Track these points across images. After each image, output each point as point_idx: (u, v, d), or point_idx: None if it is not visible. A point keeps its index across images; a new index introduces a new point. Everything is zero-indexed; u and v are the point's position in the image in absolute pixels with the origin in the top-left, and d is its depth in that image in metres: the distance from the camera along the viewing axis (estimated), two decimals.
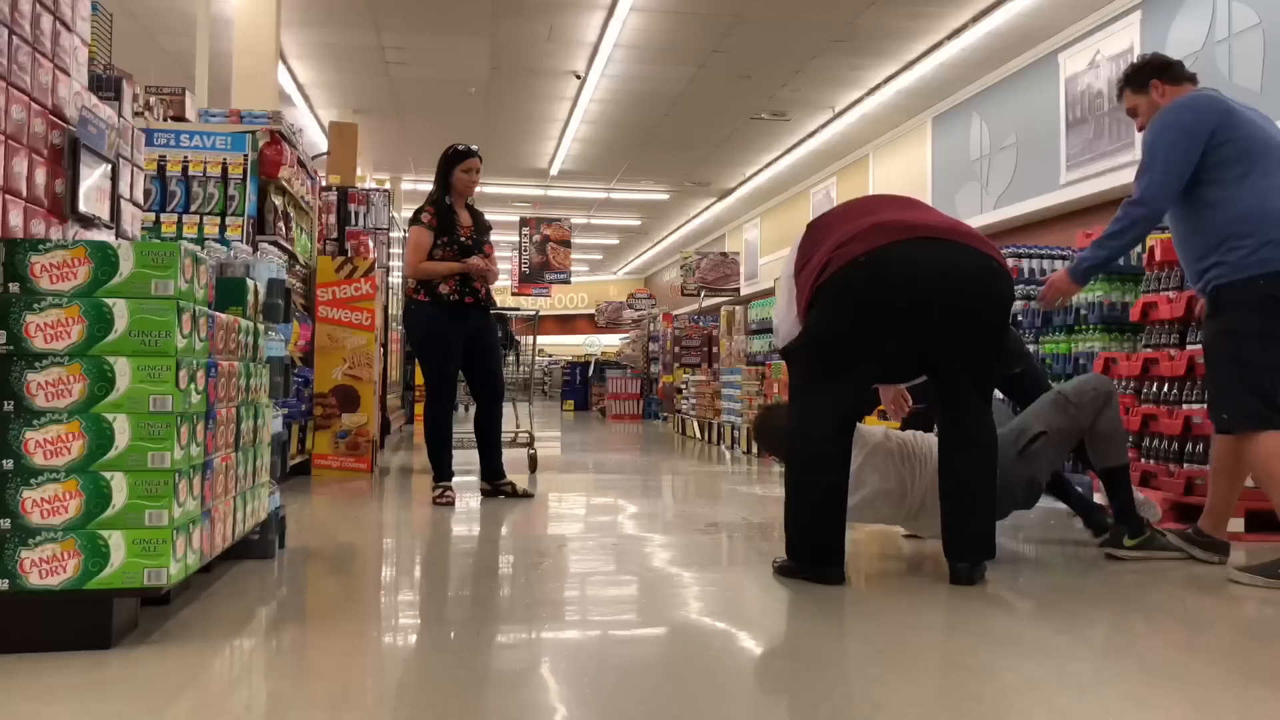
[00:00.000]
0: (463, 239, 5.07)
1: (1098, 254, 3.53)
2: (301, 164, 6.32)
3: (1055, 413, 3.66)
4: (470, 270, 5.01)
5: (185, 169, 5.26)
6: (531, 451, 6.79)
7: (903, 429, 3.84)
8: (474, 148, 5.21)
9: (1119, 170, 7.99)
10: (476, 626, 2.67)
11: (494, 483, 5.30)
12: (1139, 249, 5.49)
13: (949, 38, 9.38)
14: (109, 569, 2.30)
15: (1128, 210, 3.45)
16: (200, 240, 5.05)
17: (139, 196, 3.54)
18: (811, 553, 3.13)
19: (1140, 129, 3.70)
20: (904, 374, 3.48)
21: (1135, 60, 3.78)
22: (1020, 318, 6.08)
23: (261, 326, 3.30)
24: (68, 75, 2.95)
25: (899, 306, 3.03)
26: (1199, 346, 4.42)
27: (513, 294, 17.21)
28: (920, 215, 3.18)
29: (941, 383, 3.20)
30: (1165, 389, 4.59)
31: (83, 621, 2.31)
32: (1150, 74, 3.63)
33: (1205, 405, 3.86)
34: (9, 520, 2.28)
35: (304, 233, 6.53)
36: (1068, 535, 4.27)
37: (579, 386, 19.57)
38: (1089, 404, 3.66)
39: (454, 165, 5.12)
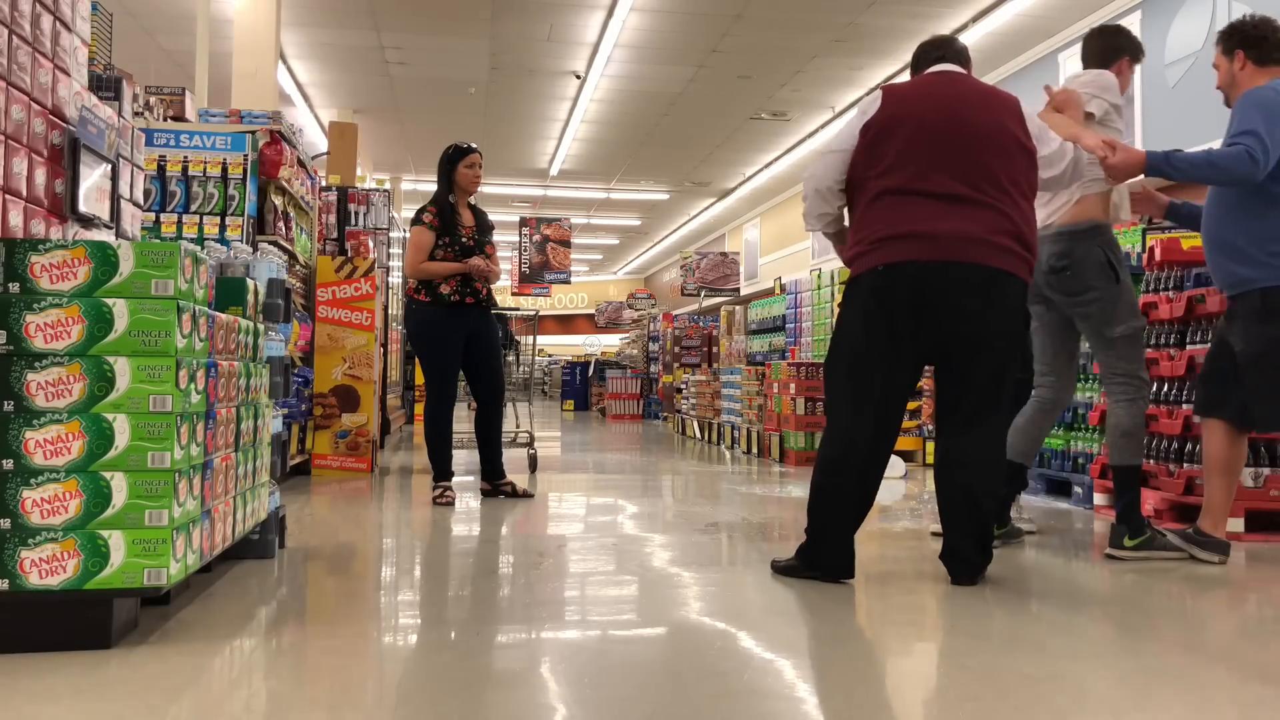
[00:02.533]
0: (464, 239, 5.07)
1: (1185, 168, 3.37)
2: (301, 164, 6.32)
3: (1131, 312, 3.73)
4: (471, 270, 5.01)
5: (185, 169, 5.26)
6: (531, 451, 6.80)
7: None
8: (474, 145, 5.23)
9: None
10: (476, 626, 2.67)
11: (494, 483, 5.31)
12: (1139, 249, 5.48)
13: None
14: (109, 569, 2.30)
15: (1241, 160, 3.30)
16: (200, 240, 5.05)
17: (139, 196, 3.54)
18: (823, 552, 3.17)
19: (1218, 87, 3.66)
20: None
21: (1234, 20, 3.70)
22: None
23: (261, 326, 3.30)
24: (68, 75, 2.95)
25: (907, 323, 3.11)
26: (1199, 347, 4.43)
27: (513, 294, 17.22)
28: (948, 224, 3.08)
29: (947, 392, 3.24)
30: (1165, 389, 4.59)
31: (83, 621, 2.31)
32: (1237, 43, 3.56)
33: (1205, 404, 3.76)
34: (9, 520, 2.28)
35: (304, 233, 6.53)
36: (1068, 535, 4.27)
37: (579, 386, 19.58)
38: (1131, 354, 3.71)
39: (457, 162, 5.13)
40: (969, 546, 3.16)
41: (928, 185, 3.10)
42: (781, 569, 3.27)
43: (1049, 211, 3.81)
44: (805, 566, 3.20)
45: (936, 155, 3.12)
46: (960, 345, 3.14)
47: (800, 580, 3.16)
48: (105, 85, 3.41)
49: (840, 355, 3.25)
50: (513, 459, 6.32)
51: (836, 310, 7.56)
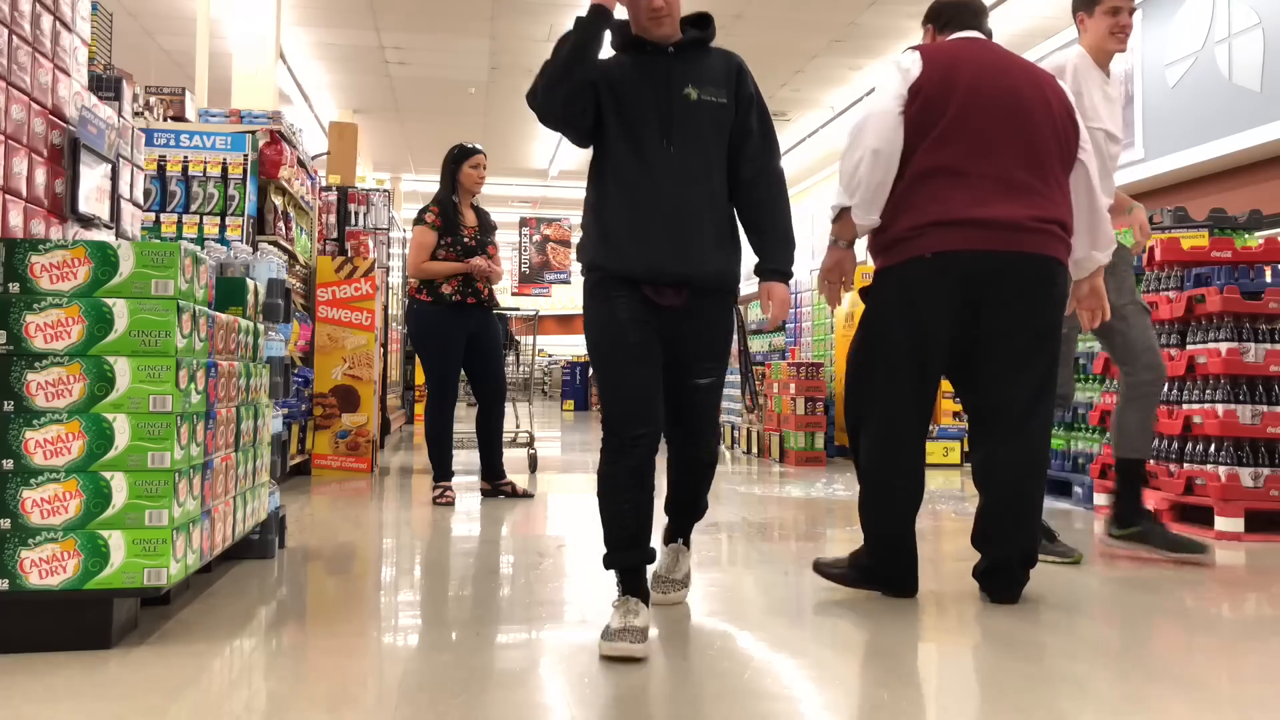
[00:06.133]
0: (466, 239, 5.08)
1: None
2: (301, 164, 6.32)
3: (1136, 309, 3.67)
4: (473, 270, 5.02)
5: (185, 169, 5.26)
6: (531, 451, 6.80)
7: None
8: (479, 146, 5.25)
9: (1120, 169, 7.99)
10: (476, 626, 2.67)
11: (494, 483, 5.31)
12: (1142, 250, 5.48)
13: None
14: (109, 569, 2.30)
15: None
16: (200, 240, 5.05)
17: (139, 196, 3.54)
18: (884, 566, 3.01)
19: None
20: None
21: None
22: None
23: (261, 326, 3.30)
24: (68, 75, 2.95)
25: (952, 316, 2.90)
26: (1199, 346, 4.43)
27: (512, 294, 17.22)
28: (1003, 209, 2.84)
29: (994, 391, 2.96)
30: (1165, 389, 4.59)
31: (83, 621, 2.31)
32: None
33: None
34: (9, 520, 2.28)
35: (304, 233, 6.53)
36: (1067, 535, 4.27)
37: (579, 386, 19.58)
38: (1143, 353, 3.63)
39: (462, 162, 5.15)
40: (1018, 559, 2.97)
41: (982, 166, 2.84)
42: (831, 574, 3.09)
43: None
44: (862, 579, 3.03)
45: (992, 132, 2.86)
46: (1012, 340, 2.89)
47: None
48: (105, 85, 3.41)
49: (876, 353, 2.98)
50: (513, 459, 6.32)
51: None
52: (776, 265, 2.73)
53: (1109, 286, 3.52)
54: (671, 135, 2.60)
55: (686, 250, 2.58)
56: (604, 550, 2.59)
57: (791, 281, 3.01)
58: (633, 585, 2.55)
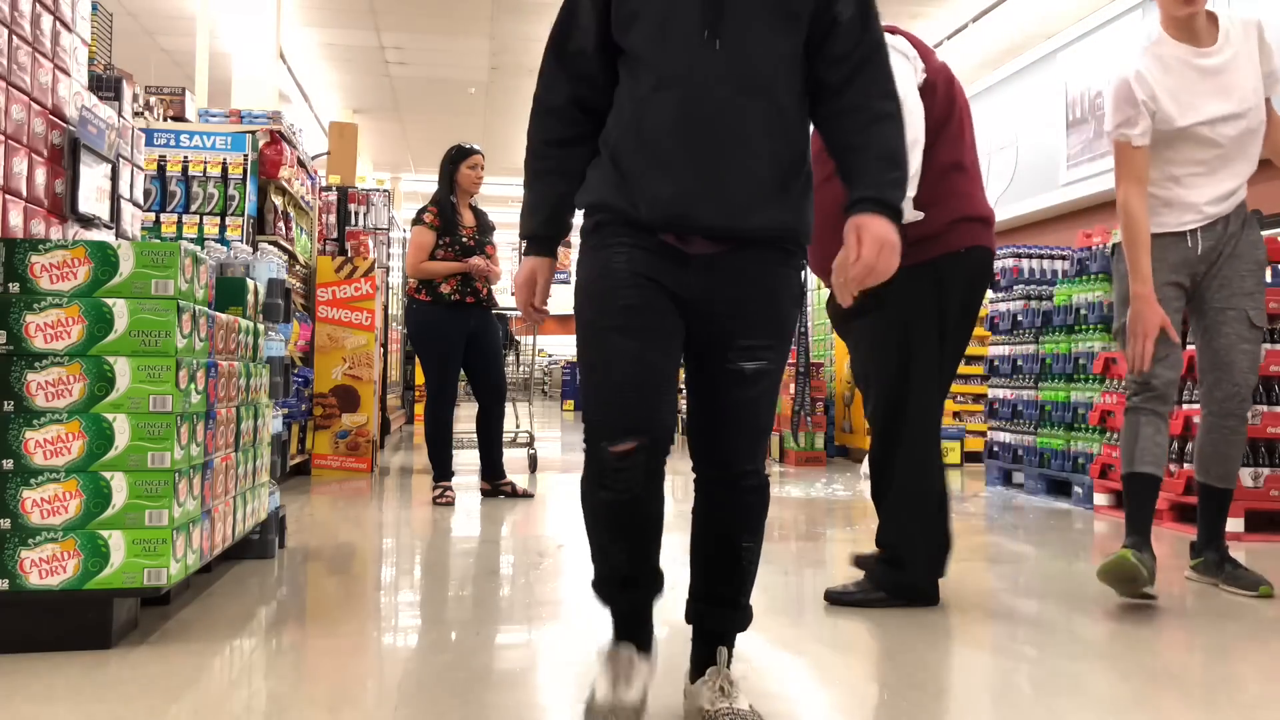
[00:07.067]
0: (464, 239, 5.09)
1: None
2: (301, 164, 6.32)
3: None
4: (471, 270, 5.03)
5: (185, 169, 5.26)
6: (531, 451, 6.80)
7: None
8: (476, 146, 5.26)
9: None
10: (476, 627, 2.67)
11: (494, 482, 5.31)
12: None
13: (949, 38, 9.40)
14: (109, 569, 2.30)
15: None
16: (200, 240, 5.05)
17: (139, 196, 3.54)
18: (914, 575, 2.87)
19: None
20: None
21: None
22: (1020, 318, 6.09)
23: (261, 326, 3.30)
24: (68, 75, 2.95)
25: (958, 314, 2.91)
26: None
27: (511, 294, 17.17)
28: (985, 206, 2.98)
29: (942, 389, 3.02)
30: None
31: (83, 621, 2.31)
32: None
33: None
34: (9, 520, 2.28)
35: (304, 233, 6.53)
36: (1066, 536, 4.27)
37: (579, 386, 19.56)
38: (1214, 369, 3.19)
39: (459, 163, 5.16)
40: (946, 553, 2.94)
41: (974, 162, 2.94)
42: (854, 600, 2.90)
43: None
44: (891, 595, 2.86)
45: (970, 129, 2.96)
46: (967, 335, 2.98)
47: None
48: (105, 85, 3.41)
49: (912, 353, 2.84)
50: (513, 459, 6.32)
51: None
52: (875, 192, 1.75)
53: (1214, 283, 3.13)
54: (719, 25, 1.75)
55: (725, 190, 1.74)
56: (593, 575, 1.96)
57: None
58: (631, 626, 1.93)
